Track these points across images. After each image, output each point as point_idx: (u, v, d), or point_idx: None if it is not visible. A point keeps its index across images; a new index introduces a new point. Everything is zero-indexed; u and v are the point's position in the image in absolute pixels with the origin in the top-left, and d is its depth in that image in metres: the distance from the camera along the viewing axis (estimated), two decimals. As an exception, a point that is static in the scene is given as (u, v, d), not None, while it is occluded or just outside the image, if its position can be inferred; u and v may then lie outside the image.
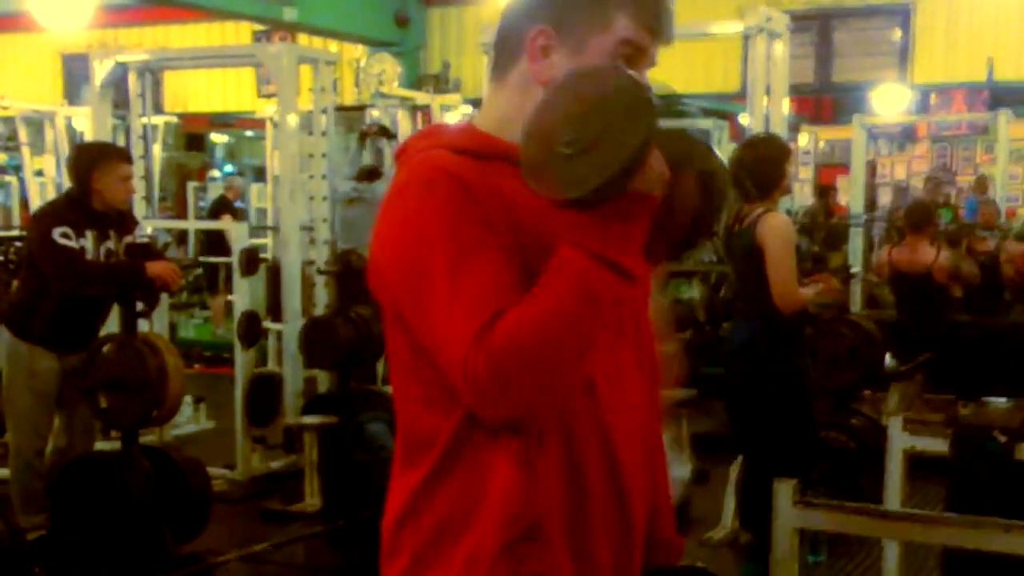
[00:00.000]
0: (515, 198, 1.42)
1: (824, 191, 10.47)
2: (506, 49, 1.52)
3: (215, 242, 10.08)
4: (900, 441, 3.53)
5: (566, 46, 1.47)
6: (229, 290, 10.28)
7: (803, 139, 14.43)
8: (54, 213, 4.57)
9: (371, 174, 7.63)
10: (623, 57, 1.47)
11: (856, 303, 7.27)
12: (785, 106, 5.26)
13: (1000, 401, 4.28)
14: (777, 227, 4.09)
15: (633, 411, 1.56)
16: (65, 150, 10.07)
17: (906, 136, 15.32)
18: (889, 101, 11.48)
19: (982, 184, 10.97)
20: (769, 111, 5.18)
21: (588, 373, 1.46)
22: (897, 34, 10.62)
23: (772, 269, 4.04)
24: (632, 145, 1.29)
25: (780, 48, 5.15)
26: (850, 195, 9.74)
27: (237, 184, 11.90)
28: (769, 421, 4.16)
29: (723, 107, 13.78)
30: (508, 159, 1.43)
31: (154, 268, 4.47)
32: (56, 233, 4.35)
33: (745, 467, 4.64)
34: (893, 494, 3.53)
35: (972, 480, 3.29)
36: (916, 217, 6.49)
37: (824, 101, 15.90)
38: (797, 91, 7.31)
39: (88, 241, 4.46)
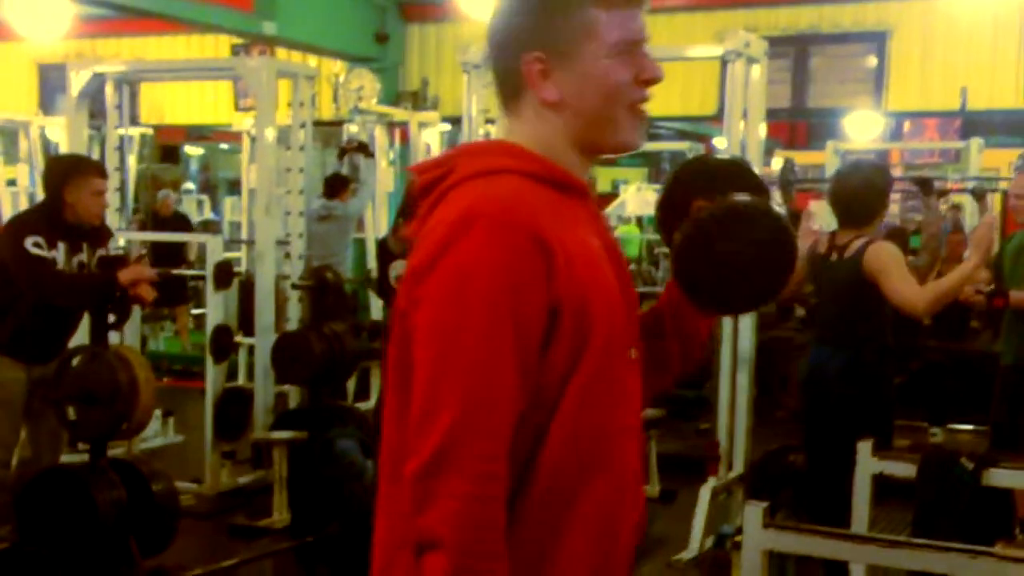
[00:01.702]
0: (578, 235, 1.46)
1: (795, 215, 10.53)
2: (507, 85, 1.53)
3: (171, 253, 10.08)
4: (868, 465, 3.54)
5: (561, 63, 1.48)
6: (195, 302, 10.20)
7: (777, 163, 14.50)
8: (26, 223, 4.55)
9: (337, 184, 7.63)
10: (625, 57, 1.49)
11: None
12: (762, 130, 5.30)
13: (967, 427, 4.32)
14: (888, 252, 4.19)
15: (635, 431, 1.59)
16: (39, 160, 10.00)
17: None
18: (863, 127, 11.59)
19: (956, 215, 11.07)
20: (746, 135, 5.22)
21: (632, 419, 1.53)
22: (872, 61, 10.72)
23: (895, 288, 4.10)
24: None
25: (758, 72, 5.19)
26: (823, 221, 9.80)
27: (171, 199, 11.78)
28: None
29: (699, 130, 13.87)
30: (555, 183, 1.49)
31: (124, 275, 4.46)
32: (28, 242, 4.32)
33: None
34: (860, 518, 3.55)
35: (939, 505, 3.31)
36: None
37: (798, 126, 16.02)
38: (773, 115, 7.36)
39: (60, 253, 4.43)
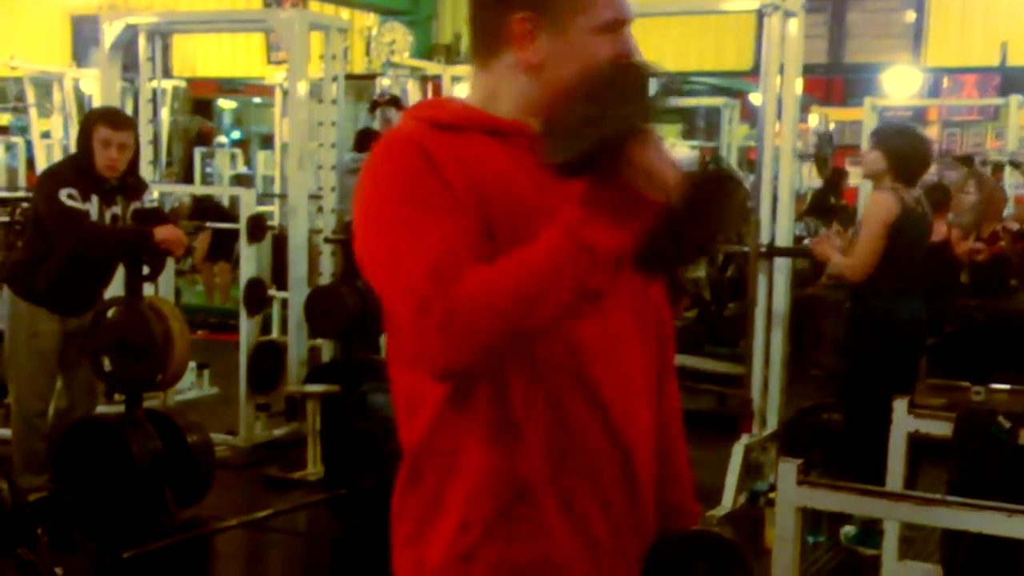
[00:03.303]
0: (483, 166, 1.46)
1: (836, 174, 10.43)
2: (486, 35, 1.54)
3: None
4: (904, 424, 3.52)
5: (549, 30, 1.49)
6: (218, 256, 10.20)
7: (813, 120, 14.32)
8: (59, 174, 4.56)
9: (368, 138, 7.61)
10: (610, 35, 1.50)
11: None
12: (798, 86, 5.22)
13: (1007, 387, 4.28)
14: None
15: (630, 373, 1.56)
16: (72, 112, 10.04)
17: (917, 120, 15.25)
18: (901, 84, 11.40)
19: (998, 172, 10.93)
20: (782, 91, 5.14)
21: (573, 338, 1.48)
22: (911, 16, 10.54)
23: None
24: (612, 125, 1.34)
25: (795, 26, 5.10)
26: (860, 178, 9.69)
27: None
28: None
29: (734, 85, 13.71)
30: (485, 130, 1.50)
31: (161, 233, 4.45)
32: (63, 194, 4.34)
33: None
34: (895, 476, 3.53)
35: (975, 464, 3.28)
36: (935, 196, 6.47)
37: (835, 82, 15.81)
38: (809, 71, 7.27)
39: (93, 206, 4.44)
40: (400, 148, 1.47)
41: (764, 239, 5.12)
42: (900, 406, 3.54)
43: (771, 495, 3.92)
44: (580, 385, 1.50)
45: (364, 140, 7.67)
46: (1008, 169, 9.59)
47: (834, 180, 10.33)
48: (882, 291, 4.48)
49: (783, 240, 5.19)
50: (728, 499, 5.00)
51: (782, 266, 5.18)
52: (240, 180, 12.56)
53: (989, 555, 3.11)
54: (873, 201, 4.59)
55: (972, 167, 6.07)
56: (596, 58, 1.48)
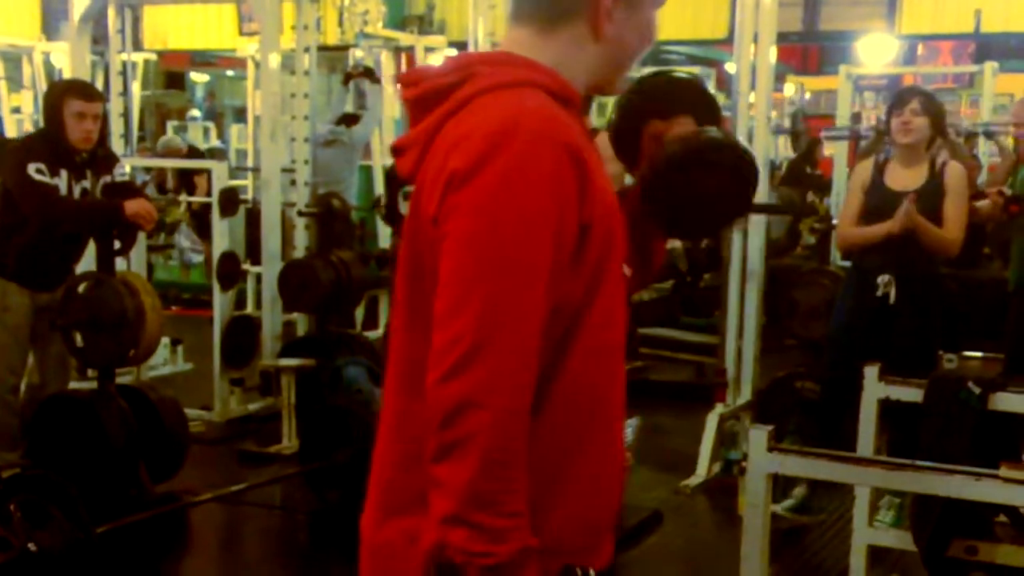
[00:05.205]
0: (594, 163, 1.46)
1: (810, 143, 10.42)
2: (560, 4, 1.50)
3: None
4: (875, 390, 3.54)
5: (627, 4, 1.52)
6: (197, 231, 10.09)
7: (788, 89, 14.30)
8: (27, 149, 4.52)
9: (349, 120, 7.56)
10: (657, 13, 1.58)
11: (836, 254, 7.26)
12: (772, 54, 5.20)
13: (979, 354, 4.31)
14: None
15: (624, 349, 1.58)
16: (43, 87, 9.92)
17: (892, 88, 15.27)
18: (876, 52, 11.39)
19: (971, 140, 10.96)
20: (756, 60, 5.12)
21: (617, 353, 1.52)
22: (886, -17, 10.52)
23: None
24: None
25: (768, -7, 5.08)
26: (835, 147, 9.70)
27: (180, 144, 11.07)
28: None
29: (709, 55, 13.69)
30: (565, 101, 1.49)
31: (131, 207, 4.42)
32: (31, 168, 4.30)
33: None
34: (866, 442, 3.55)
35: (945, 429, 3.31)
36: None
37: (810, 51, 15.80)
38: (784, 39, 7.24)
39: (62, 180, 4.40)
40: (555, 155, 1.37)
41: (738, 208, 5.11)
42: (871, 373, 3.55)
43: (744, 463, 3.94)
44: (611, 407, 1.52)
45: (347, 122, 7.57)
46: (981, 138, 9.61)
47: (809, 149, 10.32)
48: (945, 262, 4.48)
49: (757, 209, 5.19)
50: (703, 468, 5.03)
51: (757, 226, 5.16)
52: (213, 153, 12.45)
53: (958, 520, 3.14)
54: (960, 173, 4.38)
55: (946, 138, 6.09)
56: (652, 35, 1.56)
